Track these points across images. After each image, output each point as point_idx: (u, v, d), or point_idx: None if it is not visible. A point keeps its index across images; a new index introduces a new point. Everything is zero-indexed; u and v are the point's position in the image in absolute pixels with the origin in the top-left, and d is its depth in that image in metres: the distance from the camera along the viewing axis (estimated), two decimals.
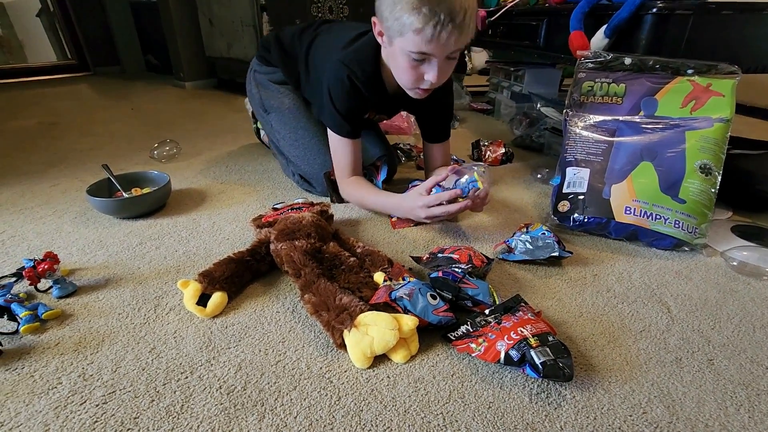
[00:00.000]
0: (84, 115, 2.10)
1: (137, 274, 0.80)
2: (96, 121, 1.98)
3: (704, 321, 0.68)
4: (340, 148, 1.01)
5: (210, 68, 2.83)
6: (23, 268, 0.76)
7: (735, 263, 0.81)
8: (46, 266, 0.71)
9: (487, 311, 0.65)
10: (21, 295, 0.71)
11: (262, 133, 1.40)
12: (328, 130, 1.01)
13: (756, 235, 0.90)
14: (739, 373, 0.58)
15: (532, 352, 0.53)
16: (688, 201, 0.86)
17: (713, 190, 0.87)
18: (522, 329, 0.57)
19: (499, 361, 0.55)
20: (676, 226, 0.86)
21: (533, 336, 0.56)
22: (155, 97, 2.54)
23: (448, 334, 0.63)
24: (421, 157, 1.35)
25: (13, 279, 0.76)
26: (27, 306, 0.67)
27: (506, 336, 0.57)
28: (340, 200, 1.09)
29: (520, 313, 0.62)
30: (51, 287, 0.73)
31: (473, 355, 0.58)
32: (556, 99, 1.71)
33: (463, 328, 0.63)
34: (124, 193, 1.05)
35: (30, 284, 0.72)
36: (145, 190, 1.07)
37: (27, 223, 0.99)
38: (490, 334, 0.59)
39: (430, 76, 0.80)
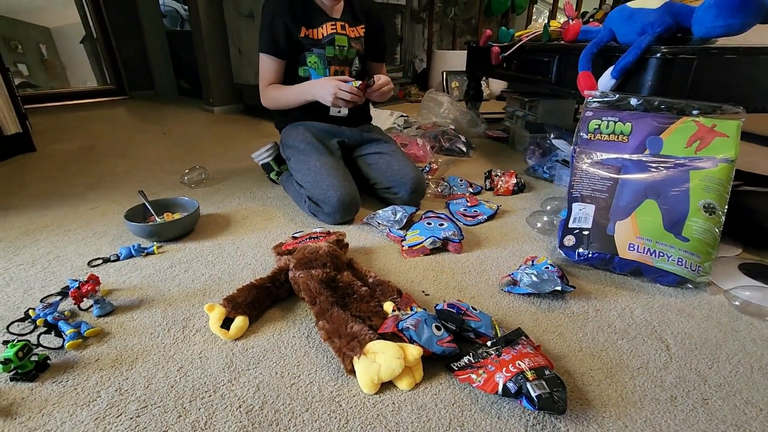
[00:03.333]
0: (120, 138, 2.25)
1: (167, 295, 0.87)
2: (131, 144, 2.12)
3: (702, 360, 0.70)
4: (264, 65, 1.30)
5: (238, 94, 2.98)
6: (68, 287, 0.85)
7: (738, 303, 0.83)
8: (89, 287, 0.78)
9: (489, 343, 0.69)
10: (66, 313, 0.79)
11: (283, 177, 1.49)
12: (260, 56, 1.29)
13: (763, 274, 0.92)
14: (733, 414, 0.60)
15: (529, 385, 0.57)
16: (691, 239, 0.88)
17: (717, 230, 0.89)
18: (520, 362, 0.61)
19: (497, 392, 0.59)
20: (680, 263, 0.88)
21: (530, 369, 0.59)
22: (186, 121, 2.69)
23: (451, 364, 0.67)
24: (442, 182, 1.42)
25: (59, 297, 0.84)
26: (72, 324, 0.74)
27: (505, 368, 0.61)
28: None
29: (520, 346, 0.66)
30: (91, 306, 0.81)
31: (474, 385, 0.62)
32: (569, 131, 1.75)
33: (465, 359, 0.67)
34: (157, 218, 1.14)
35: (74, 303, 0.80)
36: (176, 215, 1.15)
37: (70, 244, 1.08)
38: (490, 365, 0.63)
39: None
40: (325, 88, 1.19)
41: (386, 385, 0.64)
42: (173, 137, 2.27)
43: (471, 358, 0.66)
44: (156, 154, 1.93)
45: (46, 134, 2.28)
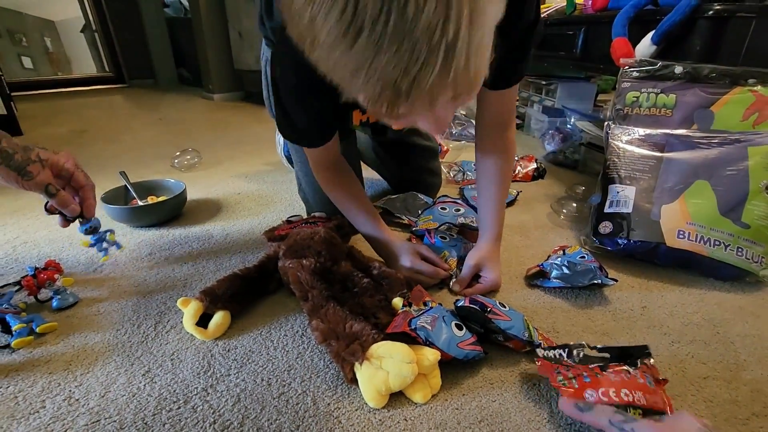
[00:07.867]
0: (113, 123, 2.14)
1: (143, 286, 0.75)
2: (124, 129, 2.01)
3: None
4: (311, 153, 0.76)
5: (238, 81, 2.87)
6: (27, 276, 0.73)
7: None
8: (46, 276, 0.67)
9: (598, 346, 0.54)
10: (20, 305, 0.67)
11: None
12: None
13: None
14: None
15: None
16: (752, 225, 0.75)
17: None
18: (627, 392, 0.46)
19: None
20: (739, 253, 0.75)
21: (640, 407, 0.45)
22: (183, 108, 2.58)
23: (538, 349, 0.55)
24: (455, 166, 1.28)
25: (15, 288, 0.73)
26: (22, 318, 0.63)
27: (603, 389, 0.46)
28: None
29: (638, 371, 0.49)
30: (51, 298, 0.69)
31: (553, 385, 0.49)
32: (590, 114, 1.62)
33: (556, 352, 0.54)
34: (139, 201, 1.02)
35: (29, 294, 0.68)
36: (161, 199, 1.04)
37: (41, 229, 0.97)
38: (585, 374, 0.49)
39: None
40: (396, 260, 0.76)
41: (396, 397, 0.52)
42: (168, 123, 2.15)
43: (563, 354, 0.54)
44: (148, 139, 1.82)
45: (36, 119, 2.18)
